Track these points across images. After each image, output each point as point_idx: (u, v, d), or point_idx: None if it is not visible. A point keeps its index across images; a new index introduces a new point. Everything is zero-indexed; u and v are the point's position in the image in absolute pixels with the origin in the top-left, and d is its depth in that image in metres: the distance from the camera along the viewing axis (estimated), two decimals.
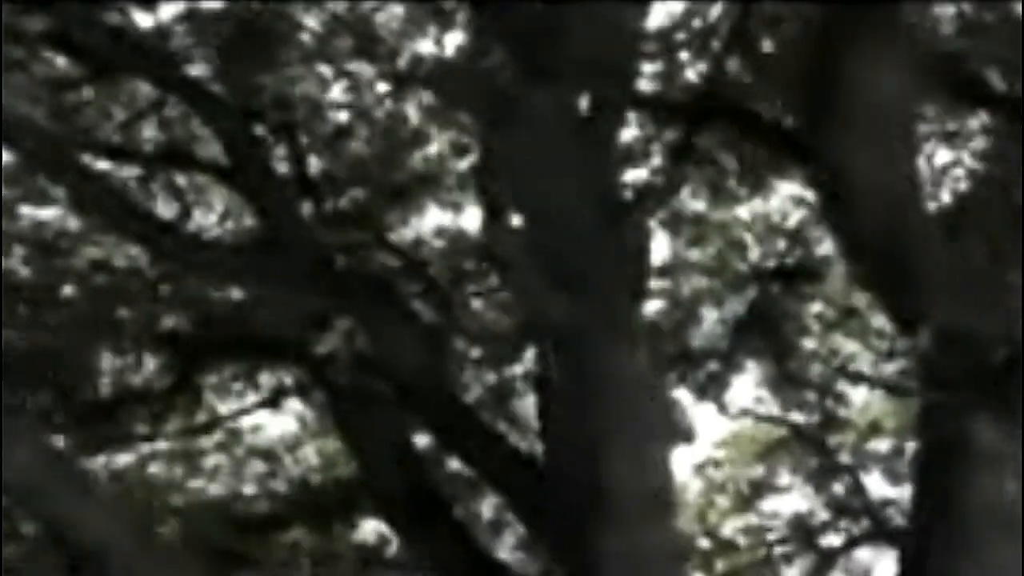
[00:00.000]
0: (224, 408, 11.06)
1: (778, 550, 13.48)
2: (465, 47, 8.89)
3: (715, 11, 8.72)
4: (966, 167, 9.02)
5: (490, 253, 9.50)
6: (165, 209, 9.81)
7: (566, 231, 6.95)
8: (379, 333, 8.19)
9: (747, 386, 12.40)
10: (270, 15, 8.83)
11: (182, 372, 9.96)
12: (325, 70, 9.60)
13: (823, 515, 13.20)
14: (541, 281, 6.92)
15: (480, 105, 7.28)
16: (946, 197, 8.60)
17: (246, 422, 11.61)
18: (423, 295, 9.72)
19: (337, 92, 9.76)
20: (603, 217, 6.97)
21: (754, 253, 11.19)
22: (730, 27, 8.40)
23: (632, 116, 8.82)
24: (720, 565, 13.57)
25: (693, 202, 10.63)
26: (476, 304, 10.58)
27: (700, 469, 13.92)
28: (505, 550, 11.19)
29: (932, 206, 8.02)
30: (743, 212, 11.14)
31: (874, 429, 13.16)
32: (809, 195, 10.14)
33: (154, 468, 11.51)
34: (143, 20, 8.74)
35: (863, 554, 13.14)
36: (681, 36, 8.59)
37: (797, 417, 12.72)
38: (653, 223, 10.22)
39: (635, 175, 9.42)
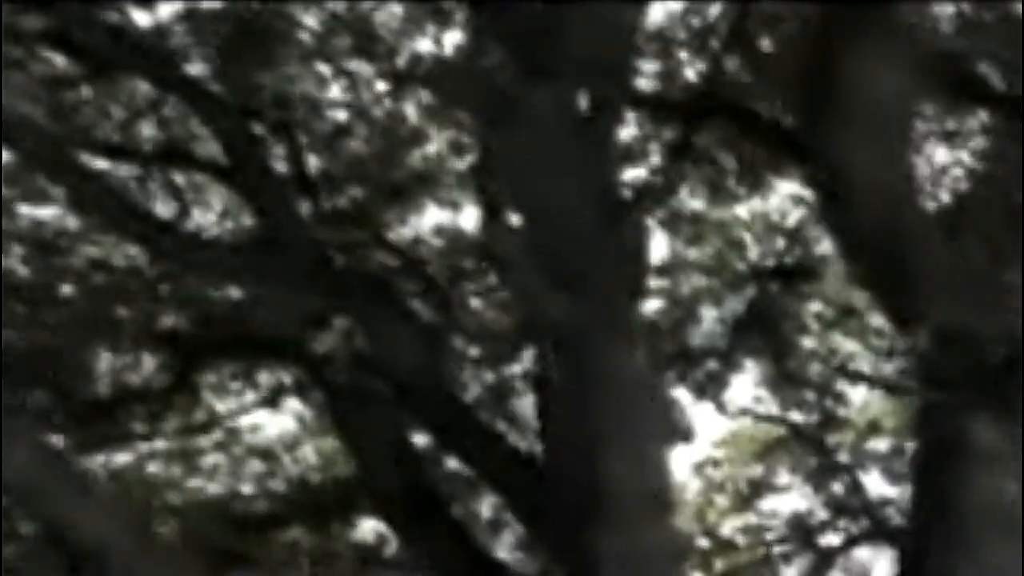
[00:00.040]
0: (223, 407, 11.05)
1: (777, 549, 13.47)
2: (464, 46, 8.88)
3: (714, 10, 8.72)
4: (965, 166, 9.00)
5: (489, 252, 9.50)
6: (164, 208, 9.80)
7: (565, 230, 6.95)
8: (377, 332, 8.19)
9: (746, 385, 12.40)
10: (269, 14, 8.82)
11: (180, 371, 9.95)
12: (324, 69, 9.58)
13: (822, 514, 13.18)
14: (540, 280, 6.92)
15: (479, 104, 7.28)
16: (945, 197, 8.58)
17: (245, 421, 11.61)
18: (421, 294, 9.72)
19: (336, 91, 9.74)
20: (602, 216, 6.97)
21: (753, 252, 11.18)
22: (729, 26, 8.39)
23: (631, 115, 8.81)
24: (719, 564, 13.55)
25: (692, 201, 10.63)
26: (475, 303, 10.57)
27: (699, 468, 13.91)
28: (504, 550, 11.17)
29: (931, 206, 8.02)
30: (742, 211, 11.15)
31: (873, 428, 13.14)
32: (808, 194, 10.12)
33: (153, 467, 11.50)
34: (142, 19, 8.75)
35: (862, 553, 13.13)
36: (680, 35, 8.58)
37: (796, 416, 12.70)
38: (652, 222, 10.23)
39: (634, 174, 9.44)
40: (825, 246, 10.57)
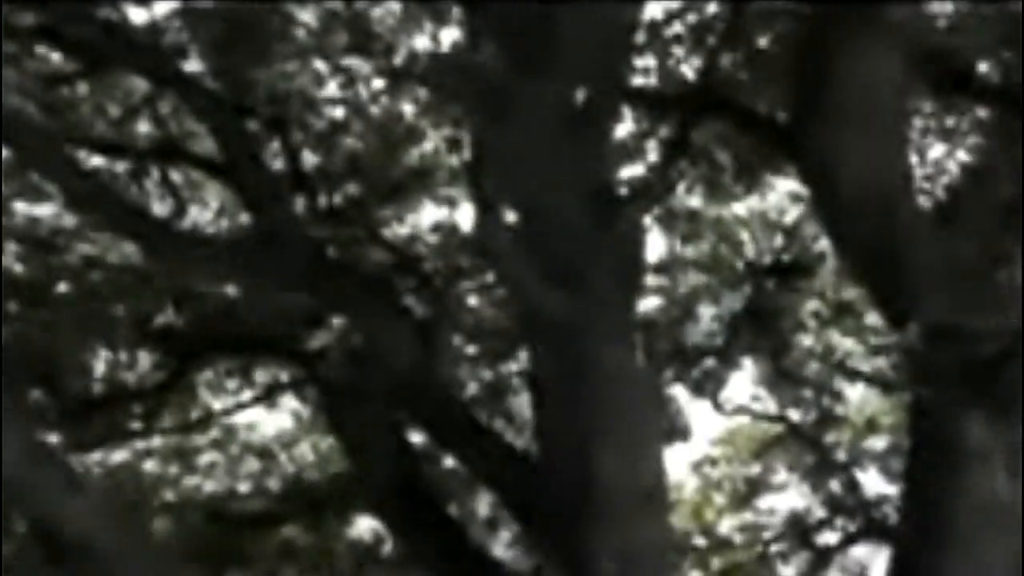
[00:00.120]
0: (219, 405, 11.04)
1: (774, 548, 13.46)
2: (460, 43, 8.86)
3: (710, 6, 8.70)
4: (958, 162, 8.99)
5: (485, 249, 9.47)
6: (160, 206, 9.78)
7: (559, 227, 6.94)
8: (372, 329, 8.16)
9: (744, 384, 12.41)
10: (265, 11, 8.80)
11: (176, 369, 9.93)
12: (321, 66, 9.56)
13: (819, 513, 13.18)
14: (534, 277, 6.91)
15: (474, 100, 7.26)
16: (939, 192, 8.57)
17: (241, 419, 11.60)
18: (417, 291, 9.70)
19: (333, 88, 9.72)
20: (597, 213, 6.96)
21: (750, 250, 11.17)
22: (725, 22, 8.37)
23: (627, 112, 8.80)
24: (716, 563, 13.55)
25: (689, 199, 10.61)
26: (472, 301, 10.56)
27: (696, 467, 13.91)
28: (500, 547, 11.16)
29: (925, 202, 8.01)
30: (740, 209, 11.14)
31: (871, 426, 13.13)
32: (806, 192, 10.10)
33: (149, 465, 11.49)
34: (137, 15, 8.73)
35: (859, 552, 13.12)
36: (676, 30, 8.56)
37: (794, 415, 12.70)
38: (649, 220, 10.21)
39: (630, 171, 9.42)
40: (823, 243, 10.56)
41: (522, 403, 10.26)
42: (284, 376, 10.43)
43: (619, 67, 7.52)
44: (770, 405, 12.65)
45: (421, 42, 9.38)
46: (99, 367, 10.08)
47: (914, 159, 8.93)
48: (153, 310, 9.66)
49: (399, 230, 10.40)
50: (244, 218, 9.76)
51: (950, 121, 9.20)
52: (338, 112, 9.84)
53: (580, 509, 6.65)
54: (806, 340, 11.88)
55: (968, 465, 6.41)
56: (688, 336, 11.33)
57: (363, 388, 8.32)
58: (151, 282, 9.55)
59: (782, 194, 10.94)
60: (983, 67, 7.62)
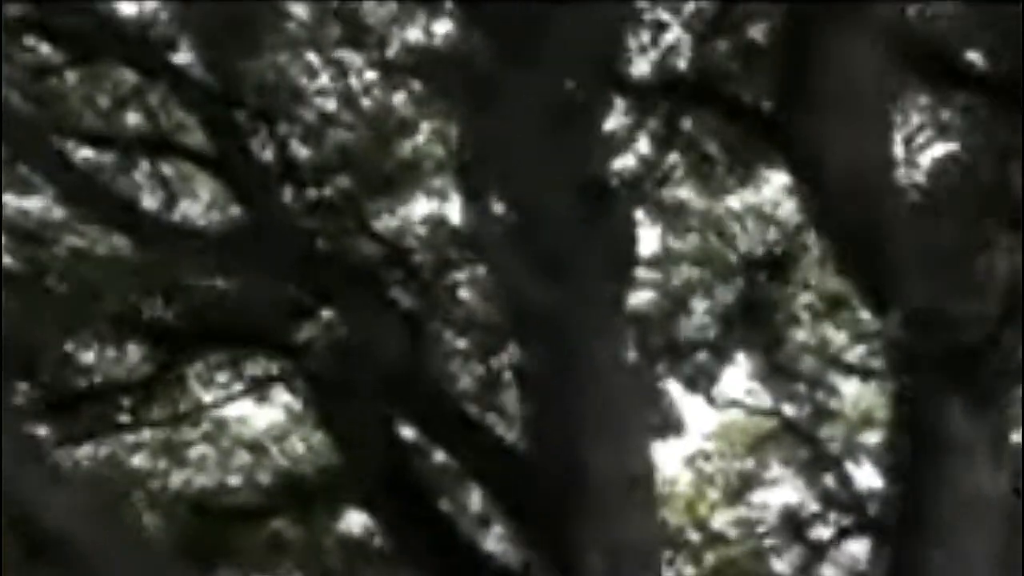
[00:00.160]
0: (209, 398, 11.00)
1: (768, 542, 13.45)
2: (452, 35, 8.83)
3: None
4: (943, 150, 8.96)
5: (474, 242, 9.44)
6: (150, 198, 9.74)
7: (549, 220, 6.90)
8: (361, 322, 8.13)
9: (737, 378, 12.38)
10: (256, 3, 8.76)
11: (165, 362, 9.90)
12: (313, 58, 9.52)
13: (813, 507, 13.15)
14: (523, 269, 6.87)
15: (462, 91, 7.23)
16: (921, 179, 8.54)
17: (232, 413, 11.57)
18: (406, 284, 9.66)
19: (325, 80, 9.68)
20: (587, 205, 6.92)
21: (743, 243, 11.14)
22: (715, 12, 8.35)
23: (618, 103, 8.76)
24: (710, 557, 13.53)
25: (682, 191, 10.58)
26: (463, 294, 10.53)
27: (690, 461, 13.89)
28: (492, 542, 11.13)
29: (908, 189, 7.98)
30: (734, 202, 11.11)
31: (866, 421, 13.09)
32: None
33: (138, 459, 11.46)
34: (127, 7, 8.69)
35: (853, 546, 13.09)
36: (666, 19, 8.53)
37: (788, 409, 12.67)
38: (642, 213, 10.18)
39: (622, 163, 9.38)
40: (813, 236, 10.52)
41: (513, 397, 10.22)
42: (274, 369, 10.38)
43: (609, 59, 7.50)
44: (764, 399, 12.63)
45: (414, 34, 9.35)
46: (88, 359, 10.05)
47: (904, 151, 8.93)
48: (142, 303, 9.61)
49: (389, 222, 10.37)
50: (234, 210, 9.71)
51: (945, 115, 9.17)
52: (330, 104, 9.80)
53: (568, 503, 6.63)
54: (800, 334, 11.84)
55: (951, 456, 6.40)
56: (681, 330, 11.30)
57: (352, 382, 8.28)
58: (140, 274, 9.51)
59: (776, 188, 10.91)
60: (969, 55, 7.59)
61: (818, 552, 13.15)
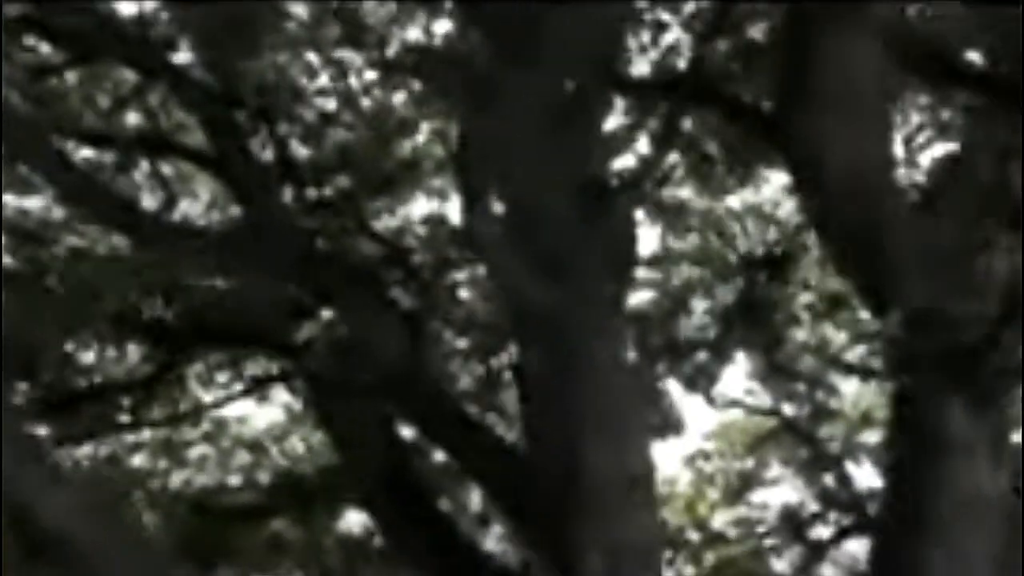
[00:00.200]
0: (209, 397, 11.00)
1: (768, 542, 13.44)
2: (452, 35, 8.83)
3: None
4: (943, 149, 8.96)
5: (473, 241, 9.44)
6: (150, 198, 9.74)
7: (549, 219, 6.91)
8: (360, 322, 8.14)
9: (737, 377, 12.37)
10: (256, 2, 8.76)
11: (165, 361, 9.90)
12: (313, 58, 9.52)
13: (813, 507, 13.15)
14: (523, 270, 6.88)
15: (464, 91, 7.24)
16: (921, 178, 8.55)
17: (232, 412, 11.57)
18: (405, 283, 9.66)
19: (325, 80, 9.69)
20: (585, 204, 6.93)
21: (743, 242, 11.14)
22: (714, 12, 8.34)
23: (617, 102, 8.76)
24: (710, 557, 13.52)
25: (682, 191, 10.58)
26: (463, 293, 10.53)
27: (690, 461, 13.88)
28: (492, 542, 11.13)
29: (907, 187, 7.99)
30: (734, 201, 11.11)
31: (866, 420, 13.08)
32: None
33: (138, 458, 11.46)
34: (126, 6, 8.69)
35: (852, 546, 13.09)
36: (666, 18, 8.53)
37: (787, 409, 12.66)
38: (642, 213, 10.18)
39: (621, 162, 9.37)
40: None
41: (513, 397, 10.22)
42: (274, 369, 10.38)
43: (609, 59, 7.50)
44: (764, 399, 12.61)
45: (414, 34, 9.35)
46: (87, 359, 10.05)
47: (904, 150, 8.94)
48: (142, 302, 9.61)
49: (389, 222, 10.37)
50: (234, 210, 9.71)
51: (945, 115, 9.17)
52: (330, 104, 9.81)
53: (568, 503, 6.64)
54: (800, 334, 11.83)
55: (951, 456, 6.40)
56: (681, 330, 11.29)
57: (351, 381, 8.29)
58: (140, 274, 9.51)
59: (776, 187, 10.91)
60: (969, 55, 7.59)
61: (818, 552, 13.14)
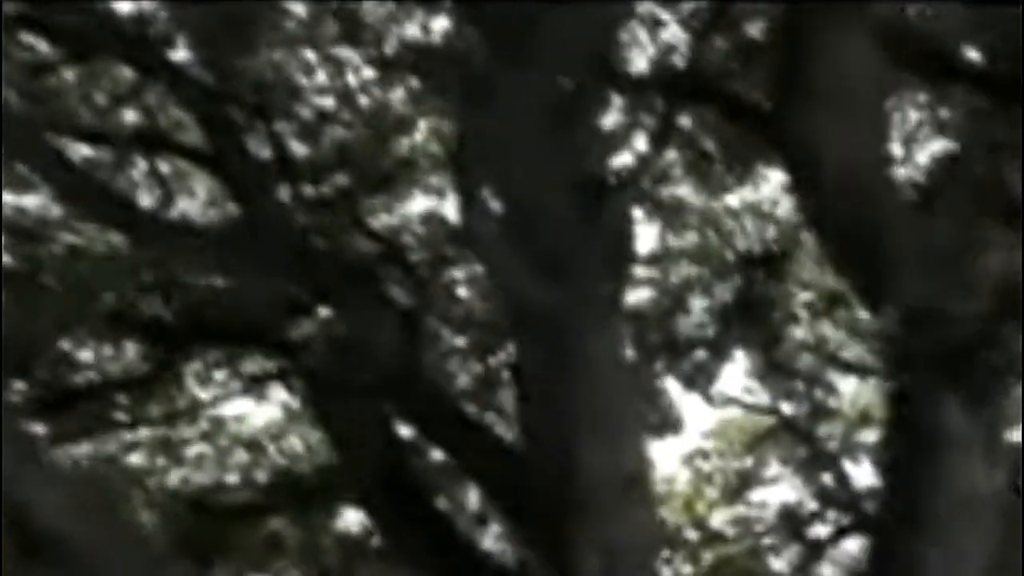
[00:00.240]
0: (206, 395, 11.00)
1: (766, 541, 13.44)
2: (450, 33, 8.83)
3: None
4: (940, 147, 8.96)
5: (470, 239, 9.44)
6: (147, 196, 9.74)
7: (546, 217, 6.90)
8: (357, 320, 8.14)
9: (736, 376, 12.37)
10: (254, 1, 8.76)
11: (162, 359, 9.90)
12: (310, 56, 9.52)
13: (811, 506, 13.15)
14: (521, 268, 6.87)
15: (461, 89, 7.24)
16: (917, 176, 8.55)
17: (230, 411, 11.57)
18: (403, 281, 9.66)
19: (322, 78, 9.68)
20: (583, 202, 6.92)
21: (742, 240, 11.14)
22: (712, 10, 8.35)
23: (615, 101, 8.75)
24: (708, 556, 13.52)
25: (679, 189, 10.58)
26: (461, 292, 10.53)
27: (688, 460, 13.89)
28: (490, 541, 11.12)
29: (903, 185, 7.98)
30: (732, 199, 11.11)
31: (864, 419, 13.08)
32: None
33: (135, 457, 11.45)
34: (124, 4, 8.68)
35: (851, 545, 13.09)
36: (663, 16, 8.54)
37: (786, 407, 12.66)
38: (640, 211, 10.18)
39: (619, 160, 9.36)
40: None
41: (511, 396, 10.22)
42: (272, 367, 10.37)
43: (606, 57, 7.50)
44: (762, 397, 12.62)
45: (411, 32, 9.34)
46: (84, 357, 10.05)
47: (902, 148, 8.94)
48: (139, 300, 9.61)
49: (386, 220, 10.37)
50: (231, 208, 9.70)
51: (943, 112, 9.17)
52: (327, 102, 9.80)
53: (565, 502, 6.63)
54: (798, 332, 11.83)
55: (947, 454, 6.40)
56: (679, 328, 11.29)
57: (349, 380, 8.29)
58: (137, 272, 9.51)
59: (774, 185, 10.91)
60: (967, 53, 7.59)
61: (816, 550, 13.14)
